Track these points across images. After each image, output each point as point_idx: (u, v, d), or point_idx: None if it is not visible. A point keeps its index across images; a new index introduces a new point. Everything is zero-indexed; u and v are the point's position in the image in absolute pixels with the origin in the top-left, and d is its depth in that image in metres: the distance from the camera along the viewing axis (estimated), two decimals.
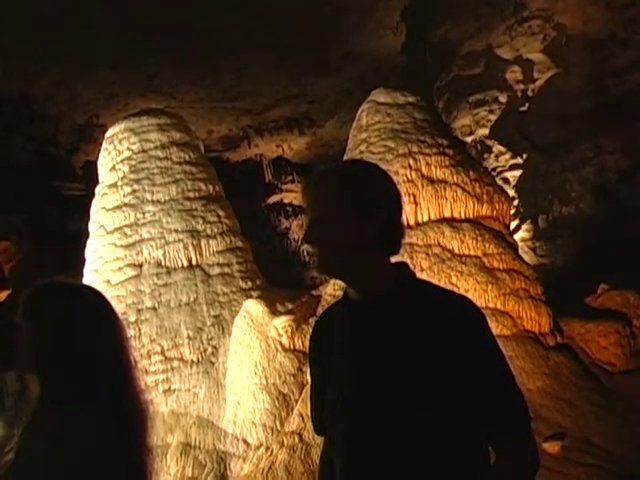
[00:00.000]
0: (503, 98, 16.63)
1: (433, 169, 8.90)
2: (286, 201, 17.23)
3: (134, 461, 2.13)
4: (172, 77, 14.43)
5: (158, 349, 8.09)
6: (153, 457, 2.20)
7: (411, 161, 8.88)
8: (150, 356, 8.05)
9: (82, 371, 2.10)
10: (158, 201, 8.72)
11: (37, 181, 16.04)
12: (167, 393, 8.03)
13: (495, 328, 7.72)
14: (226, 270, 8.61)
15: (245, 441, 7.69)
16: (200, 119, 15.31)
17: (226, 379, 8.02)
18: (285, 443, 7.39)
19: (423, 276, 6.50)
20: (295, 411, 7.60)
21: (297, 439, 7.33)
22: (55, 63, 13.50)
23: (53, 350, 2.12)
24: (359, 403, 1.92)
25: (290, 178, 17.28)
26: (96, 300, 2.24)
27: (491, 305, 8.18)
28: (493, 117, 16.75)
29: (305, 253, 15.64)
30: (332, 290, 8.49)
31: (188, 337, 8.21)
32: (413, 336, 1.88)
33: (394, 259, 2.00)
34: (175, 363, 8.14)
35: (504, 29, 15.97)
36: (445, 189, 8.79)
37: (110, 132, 9.53)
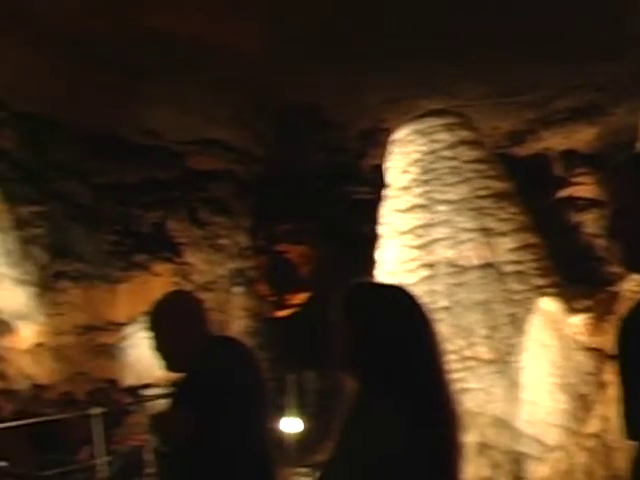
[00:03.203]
0: None
1: None
2: (577, 195, 16.65)
3: (444, 460, 2.23)
4: (452, 76, 14.50)
5: (453, 349, 8.22)
6: (462, 457, 2.25)
7: None
8: (446, 355, 8.17)
9: (398, 370, 2.24)
10: (449, 201, 8.88)
11: (328, 187, 16.84)
12: (463, 392, 8.12)
13: None
14: (520, 267, 8.58)
15: (542, 442, 7.61)
16: (484, 116, 15.21)
17: (522, 378, 7.96)
18: (584, 446, 7.21)
19: None
20: (594, 412, 7.38)
21: (597, 442, 7.12)
22: (340, 72, 14.09)
23: (371, 348, 2.27)
24: None
25: (580, 170, 16.70)
26: (411, 300, 2.33)
27: None
28: None
29: (601, 248, 14.99)
30: (632, 286, 8.14)
31: (483, 336, 8.27)
32: None
33: None
34: (470, 362, 8.24)
35: None
36: None
37: (397, 135, 9.83)
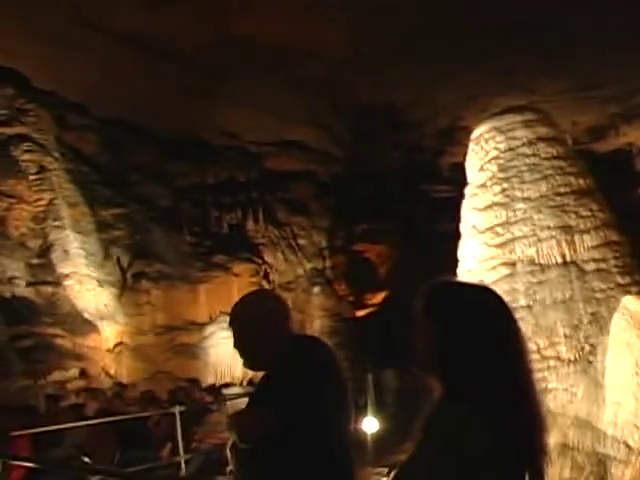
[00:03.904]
0: None
1: None
2: None
3: (531, 462, 2.22)
4: (531, 71, 14.35)
5: (534, 348, 8.13)
6: (546, 459, 2.24)
7: None
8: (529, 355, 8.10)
9: (481, 370, 2.22)
10: (528, 198, 8.77)
11: (407, 186, 16.83)
12: (544, 392, 8.03)
13: None
14: (602, 265, 8.42)
15: (627, 444, 7.44)
16: (563, 111, 15.00)
17: (605, 379, 7.82)
18: None
19: None
20: None
21: None
22: (415, 71, 14.08)
23: (453, 349, 2.25)
24: None
25: None
26: (494, 299, 2.33)
27: None
28: None
29: None
30: None
31: (564, 335, 8.16)
32: None
33: None
34: (552, 362, 8.12)
35: None
36: None
37: (475, 133, 9.75)
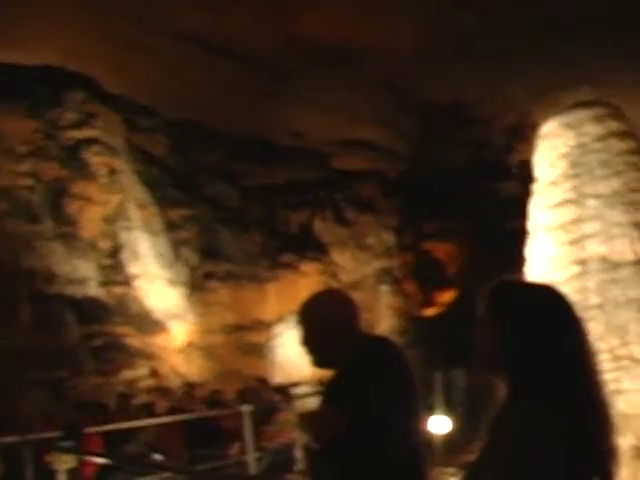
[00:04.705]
0: None
1: None
2: None
3: (597, 464, 2.17)
4: (601, 65, 14.07)
5: (606, 348, 7.97)
6: (616, 460, 2.19)
7: None
8: (598, 355, 7.95)
9: (548, 371, 2.18)
10: (600, 195, 8.61)
11: (475, 183, 16.66)
12: (616, 393, 7.86)
13: None
14: None
15: None
16: (634, 105, 14.66)
17: None
18: None
19: None
20: None
21: None
22: (483, 67, 13.94)
23: (519, 349, 2.21)
24: None
25: None
26: (559, 299, 2.28)
27: None
28: None
29: None
30: None
31: (638, 334, 7.97)
32: None
33: None
34: (624, 362, 7.96)
35: None
36: None
37: (544, 129, 9.61)
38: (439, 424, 9.88)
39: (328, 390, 3.13)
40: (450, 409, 11.05)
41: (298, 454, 8.75)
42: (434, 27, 13.02)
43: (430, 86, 15.06)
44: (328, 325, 3.06)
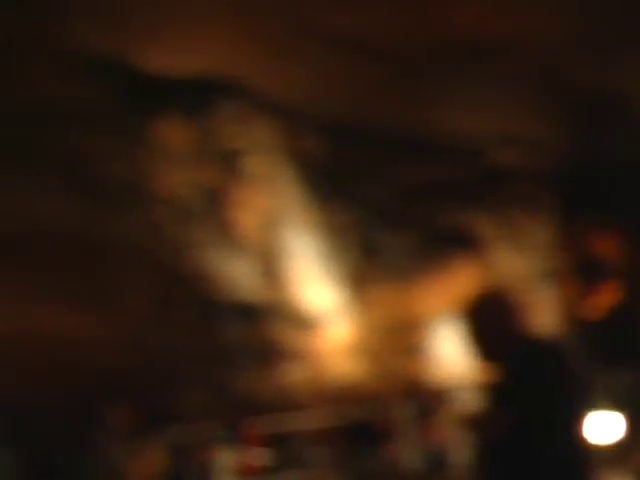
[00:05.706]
0: None
1: None
2: None
3: None
4: None
5: None
6: None
7: None
8: None
9: None
10: None
11: (638, 178, 16.08)
12: None
13: None
14: None
15: None
16: None
17: None
18: None
19: None
20: None
21: None
22: None
23: None
24: None
25: None
26: None
27: None
28: None
29: None
30: None
31: None
32: None
33: None
34: None
35: None
36: None
37: None
38: (603, 424, 9.61)
39: (494, 390, 3.13)
40: (615, 410, 10.75)
41: (458, 455, 8.72)
42: (589, 16, 12.59)
43: (589, 78, 14.60)
44: (490, 325, 3.07)
